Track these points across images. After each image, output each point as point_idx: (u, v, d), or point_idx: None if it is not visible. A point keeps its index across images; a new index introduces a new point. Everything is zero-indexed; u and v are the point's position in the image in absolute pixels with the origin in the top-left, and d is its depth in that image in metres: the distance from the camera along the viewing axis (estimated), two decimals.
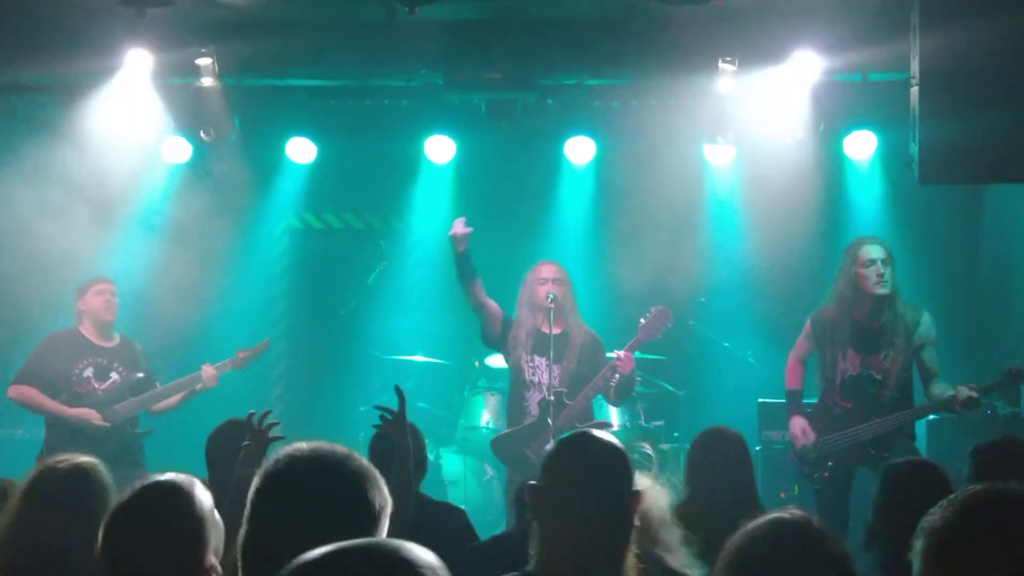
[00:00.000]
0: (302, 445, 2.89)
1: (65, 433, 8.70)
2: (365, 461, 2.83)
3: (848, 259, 8.13)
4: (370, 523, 2.75)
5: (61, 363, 8.90)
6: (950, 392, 7.81)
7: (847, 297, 8.12)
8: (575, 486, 3.27)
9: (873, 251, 8.04)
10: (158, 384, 9.11)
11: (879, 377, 8.01)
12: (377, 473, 2.83)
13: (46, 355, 8.97)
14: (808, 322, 8.39)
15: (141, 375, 9.06)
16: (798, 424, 8.20)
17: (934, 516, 2.78)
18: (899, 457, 7.66)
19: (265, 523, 2.77)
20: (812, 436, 8.11)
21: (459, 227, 8.52)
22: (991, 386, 7.86)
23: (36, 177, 10.81)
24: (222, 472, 5.77)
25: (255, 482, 2.83)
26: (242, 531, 2.79)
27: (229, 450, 5.78)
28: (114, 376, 8.96)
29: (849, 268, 8.10)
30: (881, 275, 7.98)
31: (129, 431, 8.91)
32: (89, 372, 8.90)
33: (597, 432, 3.48)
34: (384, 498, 2.81)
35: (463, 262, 8.53)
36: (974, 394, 7.69)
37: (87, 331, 9.07)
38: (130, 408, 8.89)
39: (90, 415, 8.75)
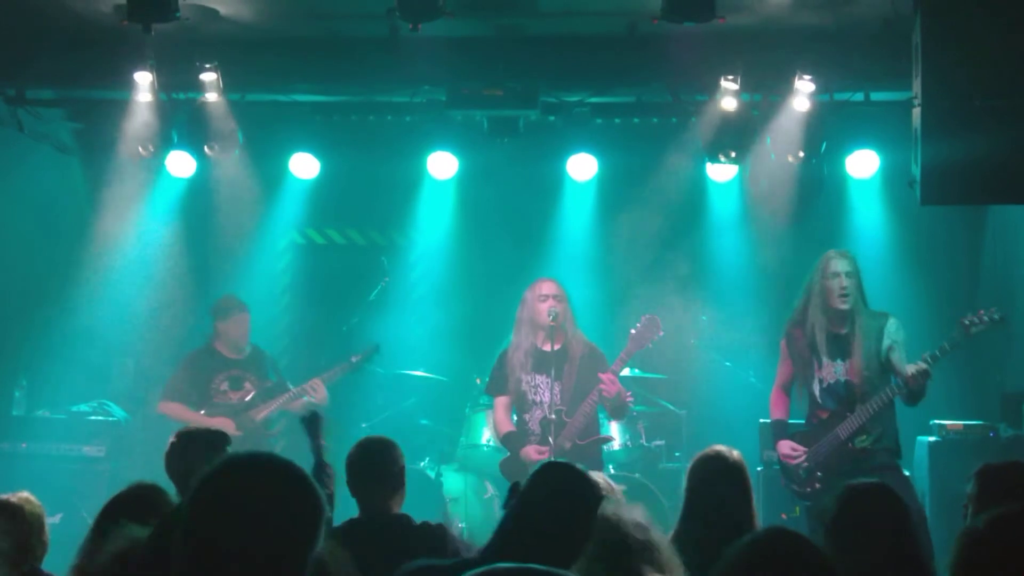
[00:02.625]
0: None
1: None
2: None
3: (816, 271, 8.16)
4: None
5: (200, 379, 9.85)
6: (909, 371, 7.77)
7: (813, 307, 8.13)
8: None
9: (838, 264, 8.07)
10: (290, 386, 9.91)
11: (855, 381, 8.01)
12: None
13: (186, 373, 9.94)
14: (783, 342, 8.40)
15: (270, 383, 9.95)
16: (786, 445, 8.20)
17: (965, 532, 2.84)
18: (884, 464, 7.77)
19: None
20: (802, 451, 8.10)
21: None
22: (948, 346, 7.77)
23: (41, 190, 10.85)
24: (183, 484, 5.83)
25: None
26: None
27: (185, 461, 5.85)
28: (247, 385, 9.84)
29: (816, 280, 8.13)
30: (844, 288, 8.00)
31: (262, 433, 9.70)
32: (225, 385, 9.87)
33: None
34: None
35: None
36: (923, 365, 7.65)
37: (222, 347, 10.01)
38: (261, 413, 9.72)
39: (225, 424, 9.30)
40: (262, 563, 2.59)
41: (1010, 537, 2.81)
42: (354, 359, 9.97)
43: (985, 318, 7.71)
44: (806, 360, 8.19)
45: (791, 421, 8.43)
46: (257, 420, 9.72)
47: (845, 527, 4.41)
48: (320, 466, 5.98)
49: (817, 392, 8.15)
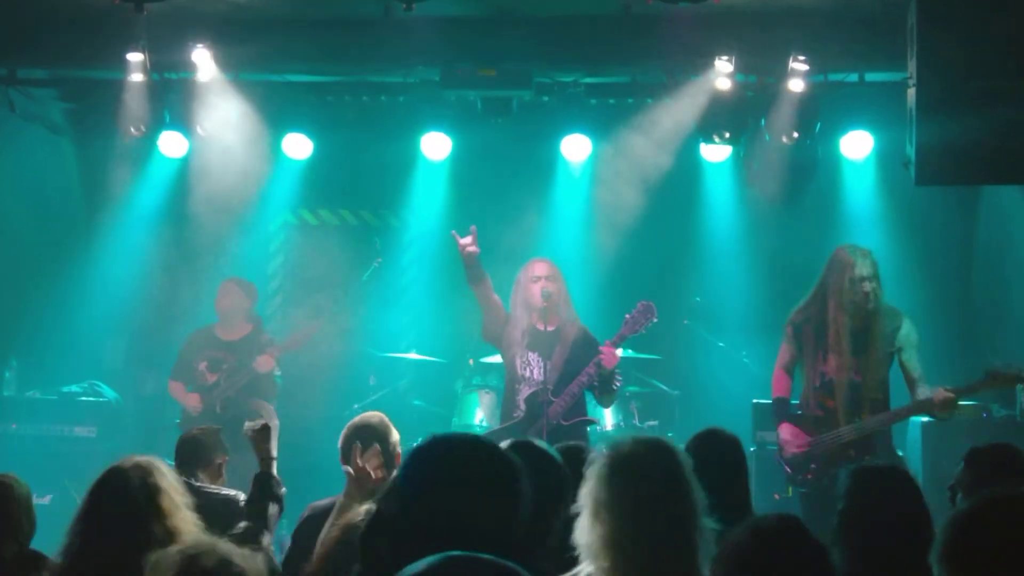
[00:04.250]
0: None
1: (187, 418, 9.60)
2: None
3: (836, 270, 8.04)
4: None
5: (189, 359, 9.94)
6: (928, 395, 7.79)
7: (830, 303, 8.06)
8: None
9: (864, 268, 7.95)
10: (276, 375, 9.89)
11: (858, 379, 7.98)
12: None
13: (184, 352, 10.05)
14: (788, 327, 8.34)
15: (241, 364, 9.77)
16: (787, 431, 8.18)
17: (951, 518, 2.85)
18: (877, 460, 7.77)
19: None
20: (803, 440, 8.09)
21: (467, 242, 8.46)
22: (969, 388, 7.82)
23: (33, 171, 10.82)
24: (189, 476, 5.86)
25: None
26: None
27: (194, 457, 5.86)
28: (225, 367, 9.77)
29: (837, 279, 8.02)
30: (868, 294, 7.94)
31: (219, 414, 9.45)
32: (204, 366, 9.85)
33: None
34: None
35: (472, 266, 8.51)
36: (951, 395, 7.67)
37: (219, 326, 10.05)
38: (222, 392, 9.69)
39: (189, 401, 9.70)
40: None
41: (996, 521, 2.82)
42: (296, 337, 10.06)
43: (1012, 372, 7.71)
44: (812, 352, 8.15)
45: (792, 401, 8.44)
46: (218, 399, 9.69)
47: (855, 508, 4.41)
48: (266, 477, 5.82)
49: (818, 383, 8.12)
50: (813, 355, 8.14)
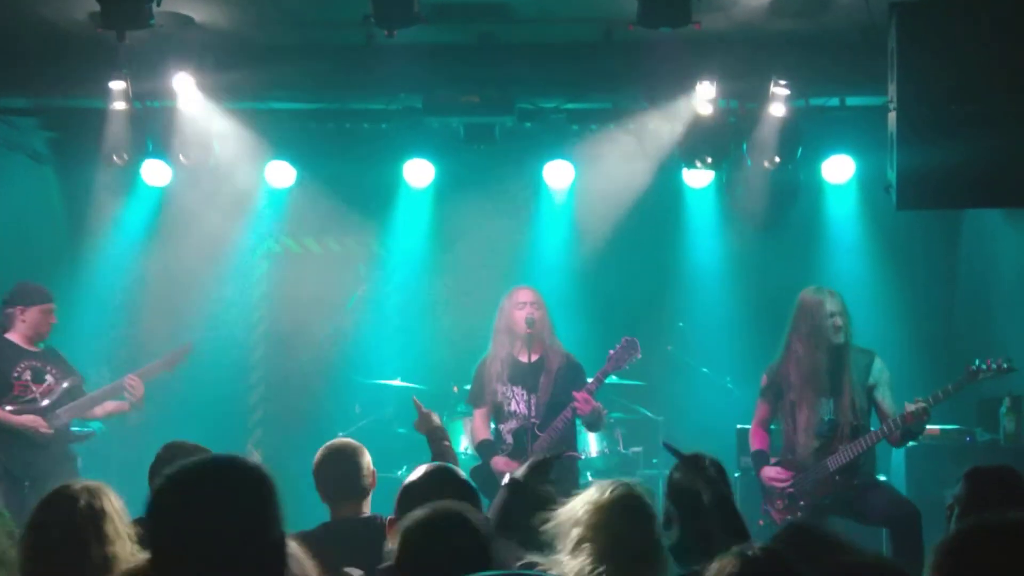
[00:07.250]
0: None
1: (10, 440, 8.65)
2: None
3: (806, 311, 8.12)
4: None
5: (2, 368, 8.79)
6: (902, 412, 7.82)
7: (804, 345, 8.10)
8: None
9: (832, 304, 8.05)
10: (85, 390, 8.98)
11: (841, 420, 8.02)
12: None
13: None
14: (764, 376, 8.38)
15: (75, 379, 8.96)
16: (771, 470, 8.21)
17: (942, 542, 2.84)
18: (865, 484, 7.79)
19: None
20: (788, 476, 8.12)
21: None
22: (941, 395, 7.81)
23: (15, 200, 10.79)
24: None
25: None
26: None
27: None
28: (49, 379, 8.85)
29: (808, 319, 8.09)
30: (839, 328, 8.01)
31: (69, 435, 8.90)
32: (28, 376, 8.78)
33: None
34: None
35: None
36: (922, 404, 7.68)
37: (15, 337, 8.87)
38: (69, 414, 8.85)
39: (36, 422, 8.67)
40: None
41: (981, 550, 2.80)
42: (169, 357, 9.23)
43: (993, 366, 7.72)
44: (793, 399, 8.18)
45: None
46: (64, 420, 8.82)
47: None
48: None
49: (802, 428, 8.13)
50: (793, 399, 8.17)
